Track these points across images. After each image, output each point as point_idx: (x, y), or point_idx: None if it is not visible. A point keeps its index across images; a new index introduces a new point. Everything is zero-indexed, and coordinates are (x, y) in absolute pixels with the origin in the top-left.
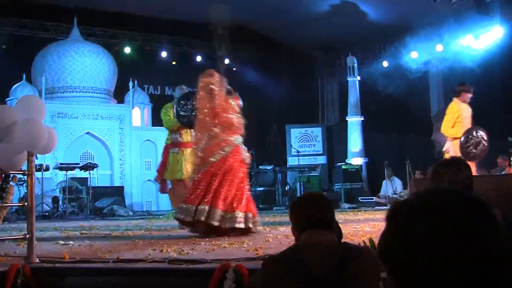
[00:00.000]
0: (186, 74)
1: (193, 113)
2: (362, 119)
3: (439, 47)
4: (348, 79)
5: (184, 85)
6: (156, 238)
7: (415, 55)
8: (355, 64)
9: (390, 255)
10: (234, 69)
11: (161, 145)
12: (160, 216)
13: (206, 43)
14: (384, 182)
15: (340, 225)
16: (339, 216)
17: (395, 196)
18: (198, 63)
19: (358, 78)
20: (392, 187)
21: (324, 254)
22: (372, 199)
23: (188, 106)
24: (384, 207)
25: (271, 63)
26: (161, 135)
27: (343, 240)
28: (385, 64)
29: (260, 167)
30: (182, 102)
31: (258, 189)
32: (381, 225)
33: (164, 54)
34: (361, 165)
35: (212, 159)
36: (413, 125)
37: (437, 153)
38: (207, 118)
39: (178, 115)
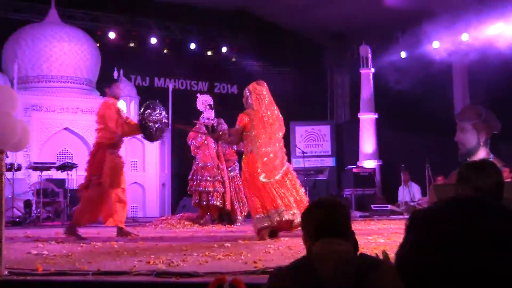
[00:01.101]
0: (178, 64)
1: (156, 126)
2: (376, 116)
3: (464, 36)
4: (361, 71)
5: (173, 78)
6: (142, 248)
7: (437, 45)
8: (369, 55)
9: (407, 266)
10: (233, 58)
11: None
12: (147, 224)
13: (201, 29)
14: (400, 188)
15: None
16: None
17: (412, 203)
18: (192, 52)
19: (372, 70)
20: (410, 193)
21: (338, 266)
22: (387, 207)
23: (153, 117)
24: (400, 216)
25: (273, 52)
26: None
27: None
28: (403, 54)
29: None
30: (147, 111)
31: None
32: (397, 236)
33: (154, 40)
34: (374, 169)
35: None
36: (434, 124)
37: (460, 156)
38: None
39: (141, 125)
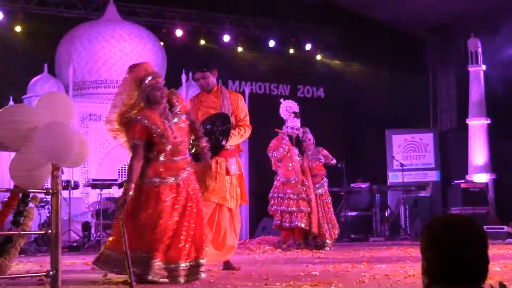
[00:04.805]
0: (255, 64)
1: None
2: (489, 122)
3: None
4: (470, 69)
5: (250, 80)
6: (217, 277)
7: None
8: (479, 49)
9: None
10: (318, 57)
11: None
12: None
13: (281, 24)
14: None
15: None
16: None
17: None
18: (271, 50)
19: (483, 67)
20: None
21: None
22: (503, 228)
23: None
24: None
25: (365, 49)
26: None
27: None
28: None
29: (352, 185)
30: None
31: (350, 213)
32: None
33: (226, 38)
34: (486, 184)
35: None
36: None
37: None
38: None
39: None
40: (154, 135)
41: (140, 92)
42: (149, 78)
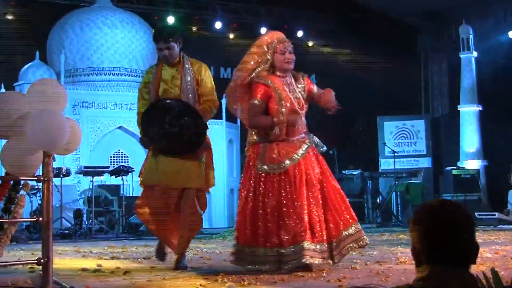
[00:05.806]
0: (247, 51)
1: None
2: (480, 108)
3: None
4: (461, 55)
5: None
6: (209, 264)
7: None
8: (471, 36)
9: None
10: (310, 44)
11: (217, 143)
12: (214, 236)
13: (273, 10)
14: (510, 192)
15: None
16: None
17: None
18: None
19: (475, 54)
20: None
21: None
22: (494, 215)
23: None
24: (510, 226)
25: (357, 36)
26: (216, 131)
27: None
28: (511, 34)
29: (344, 172)
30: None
31: None
32: (507, 251)
33: (218, 25)
34: (478, 170)
35: None
36: None
37: None
38: None
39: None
40: (273, 101)
41: (267, 55)
42: (276, 41)
